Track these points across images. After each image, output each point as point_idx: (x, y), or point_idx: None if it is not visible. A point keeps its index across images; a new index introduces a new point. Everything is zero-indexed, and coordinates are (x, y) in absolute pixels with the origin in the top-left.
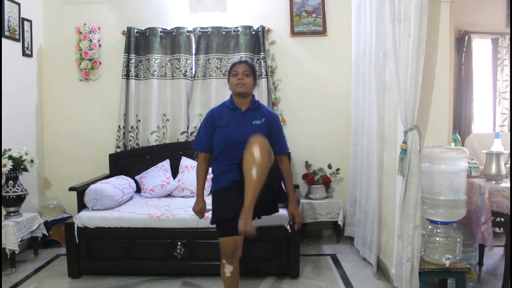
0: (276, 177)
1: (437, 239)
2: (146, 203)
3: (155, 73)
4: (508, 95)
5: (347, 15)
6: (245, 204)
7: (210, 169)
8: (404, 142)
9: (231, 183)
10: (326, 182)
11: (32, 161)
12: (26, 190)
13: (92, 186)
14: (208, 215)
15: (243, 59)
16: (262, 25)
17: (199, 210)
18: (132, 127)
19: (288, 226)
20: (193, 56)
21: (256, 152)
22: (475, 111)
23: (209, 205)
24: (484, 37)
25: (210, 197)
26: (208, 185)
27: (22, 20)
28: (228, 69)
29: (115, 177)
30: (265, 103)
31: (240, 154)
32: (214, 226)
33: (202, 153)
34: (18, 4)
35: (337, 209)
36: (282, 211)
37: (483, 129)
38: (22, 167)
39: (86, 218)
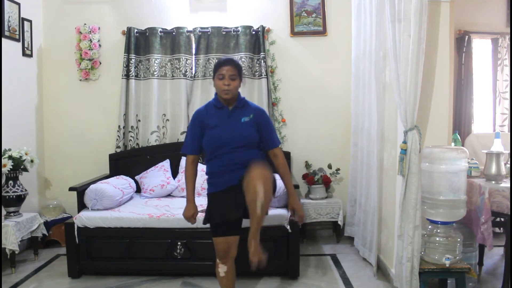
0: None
1: (437, 239)
2: (146, 203)
3: (155, 73)
4: (508, 95)
5: (347, 15)
6: (251, 234)
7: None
8: (404, 142)
9: (229, 188)
10: (326, 182)
11: (32, 161)
12: (26, 190)
13: (92, 186)
14: (201, 215)
15: (228, 58)
16: (262, 25)
17: (191, 216)
18: (132, 127)
19: (288, 226)
20: (193, 56)
21: (260, 189)
22: (475, 111)
23: (204, 206)
24: (484, 37)
25: (203, 197)
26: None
27: (22, 20)
28: (214, 67)
29: (115, 177)
30: (265, 103)
31: (232, 154)
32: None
33: (190, 156)
34: (18, 4)
35: (337, 209)
36: (282, 211)
37: (483, 129)
38: (22, 167)
39: (86, 218)
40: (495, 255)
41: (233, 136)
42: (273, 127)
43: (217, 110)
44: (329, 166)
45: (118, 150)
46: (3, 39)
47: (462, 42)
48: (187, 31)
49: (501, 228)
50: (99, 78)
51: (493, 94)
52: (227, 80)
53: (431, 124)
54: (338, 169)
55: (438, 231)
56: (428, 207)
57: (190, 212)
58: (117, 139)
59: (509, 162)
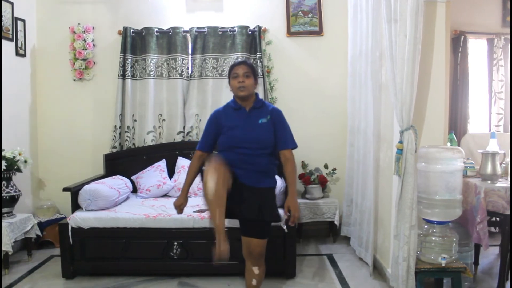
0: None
1: (433, 238)
2: (142, 203)
3: (151, 73)
4: (503, 95)
5: (343, 15)
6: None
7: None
8: (400, 142)
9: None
10: (323, 182)
11: (25, 161)
12: (19, 190)
13: (86, 186)
14: (198, 215)
15: (242, 60)
16: (258, 25)
17: (179, 206)
18: (128, 127)
19: (285, 226)
20: (190, 56)
21: (255, 271)
22: (471, 111)
23: (200, 206)
24: (480, 37)
25: (200, 197)
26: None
27: (15, 20)
28: (228, 71)
29: (111, 177)
30: None
31: (245, 155)
32: (210, 226)
33: (198, 152)
34: (11, 3)
35: (333, 209)
36: (279, 211)
37: (479, 129)
38: (15, 167)
39: (80, 219)
40: (490, 255)
41: (250, 137)
42: (288, 129)
43: (234, 112)
44: (326, 166)
45: (114, 150)
46: None
47: (458, 42)
48: (184, 31)
49: (497, 228)
50: (94, 78)
51: (488, 94)
52: (242, 77)
53: (427, 124)
54: (334, 169)
55: (434, 230)
56: (424, 206)
57: (179, 202)
58: (113, 139)
59: (504, 162)
